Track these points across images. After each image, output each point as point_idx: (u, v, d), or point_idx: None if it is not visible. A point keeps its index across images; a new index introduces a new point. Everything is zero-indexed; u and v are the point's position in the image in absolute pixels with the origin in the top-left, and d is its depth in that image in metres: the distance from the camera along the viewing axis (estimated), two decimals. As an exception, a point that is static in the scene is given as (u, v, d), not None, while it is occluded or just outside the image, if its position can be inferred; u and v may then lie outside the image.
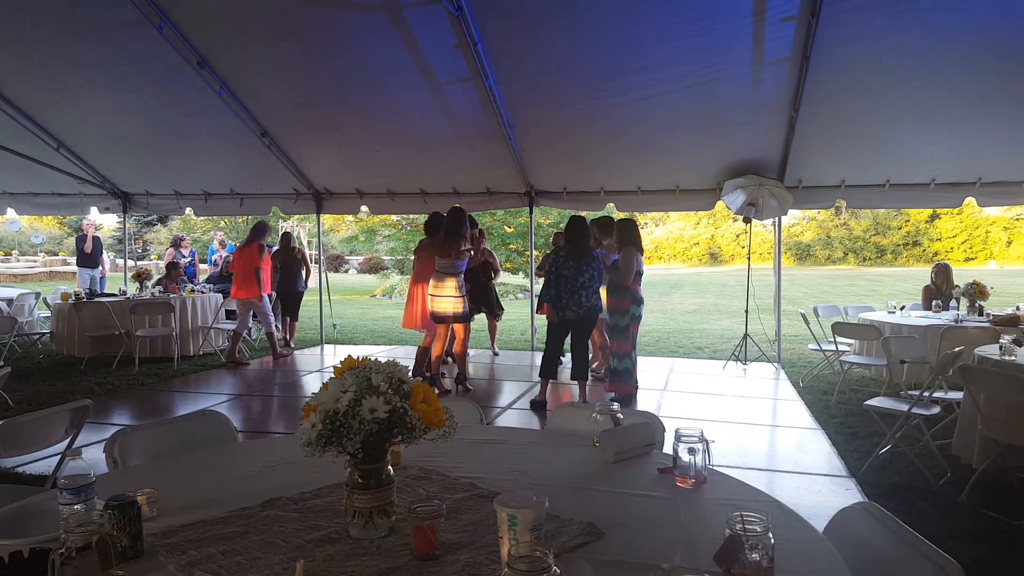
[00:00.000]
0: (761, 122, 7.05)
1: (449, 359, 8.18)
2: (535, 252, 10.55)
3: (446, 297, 6.67)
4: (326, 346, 10.34)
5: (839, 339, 6.96)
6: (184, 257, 13.09)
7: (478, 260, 8.06)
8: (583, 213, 8.70)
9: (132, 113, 8.31)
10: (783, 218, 8.52)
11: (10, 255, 33.32)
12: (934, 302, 7.51)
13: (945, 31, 5.53)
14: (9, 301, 9.40)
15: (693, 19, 5.73)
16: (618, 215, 8.57)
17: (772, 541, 1.26)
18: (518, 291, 20.23)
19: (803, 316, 7.57)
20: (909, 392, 4.78)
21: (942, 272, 7.95)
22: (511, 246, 19.57)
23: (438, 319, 6.78)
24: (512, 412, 6.38)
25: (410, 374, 1.69)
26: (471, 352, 9.56)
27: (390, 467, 1.63)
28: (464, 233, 6.74)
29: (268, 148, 8.53)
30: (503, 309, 9.16)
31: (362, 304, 18.29)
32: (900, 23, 5.46)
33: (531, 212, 9.52)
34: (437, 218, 7.24)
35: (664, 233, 48.28)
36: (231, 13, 6.41)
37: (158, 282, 9.90)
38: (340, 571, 1.38)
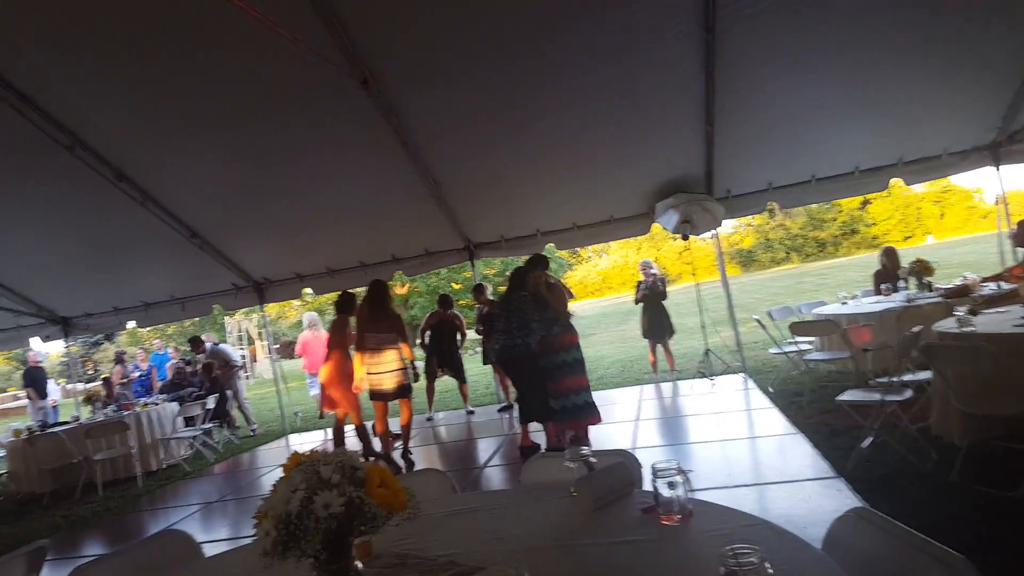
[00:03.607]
0: (680, 141, 7.17)
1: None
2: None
3: (387, 373, 6.39)
4: (291, 436, 10.00)
5: (799, 338, 7.01)
6: (137, 369, 12.70)
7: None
8: (525, 257, 8.72)
9: (59, 237, 8.16)
10: (720, 229, 8.65)
11: (-43, 399, 31.88)
12: (883, 285, 7.65)
13: (842, 18, 5.60)
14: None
15: (598, 52, 5.81)
16: (560, 254, 8.62)
17: (771, 571, 1.18)
18: (476, 345, 19.99)
19: (758, 322, 7.63)
20: (878, 380, 4.79)
21: (890, 255, 8.14)
22: (460, 302, 19.50)
23: (377, 396, 6.46)
24: (490, 470, 6.20)
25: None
26: (441, 415, 9.42)
27: (358, 563, 1.50)
28: (389, 303, 6.71)
29: (201, 249, 8.37)
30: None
31: (324, 387, 17.86)
32: (795, 21, 5.56)
33: (473, 266, 9.47)
34: (347, 297, 7.20)
35: (609, 263, 48.92)
36: (142, 125, 6.35)
37: (105, 403, 9.48)
38: None
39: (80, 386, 13.23)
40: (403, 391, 6.50)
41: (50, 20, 5.06)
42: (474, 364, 13.34)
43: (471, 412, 9.31)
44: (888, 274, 7.94)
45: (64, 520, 6.85)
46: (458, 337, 9.13)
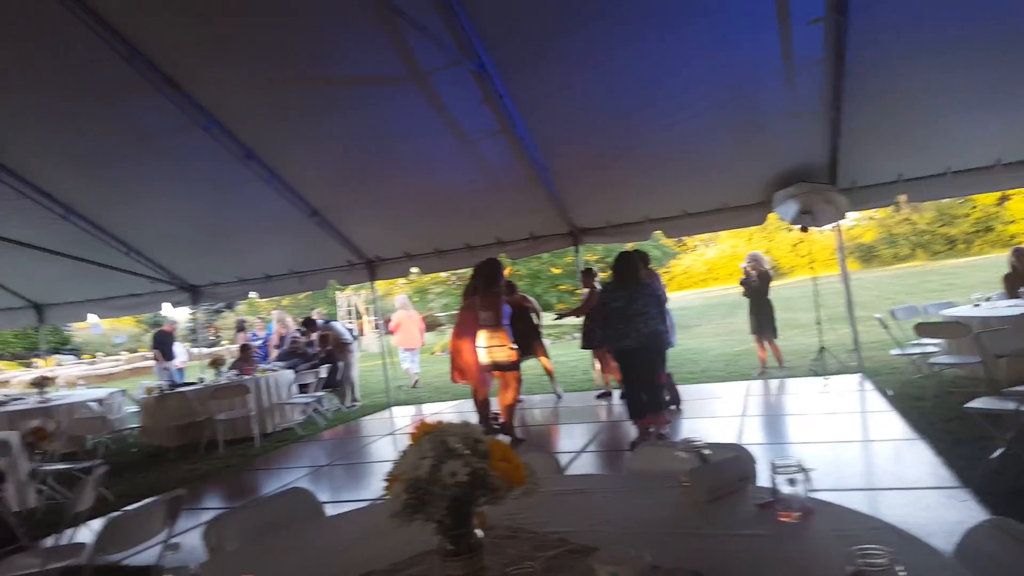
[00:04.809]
0: (803, 128, 6.86)
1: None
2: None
3: (490, 348, 6.67)
4: (394, 408, 10.38)
5: (925, 340, 6.60)
6: (256, 338, 13.61)
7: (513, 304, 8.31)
8: (629, 245, 8.62)
9: (191, 210, 8.78)
10: (841, 221, 8.22)
11: (95, 357, 34.90)
12: (1021, 289, 7.08)
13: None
14: (100, 401, 9.81)
15: (717, 36, 5.68)
16: (665, 242, 8.47)
17: (903, 574, 1.15)
18: (574, 331, 20.01)
19: (880, 321, 7.24)
20: (1013, 388, 4.46)
21: (1020, 256, 7.52)
22: (561, 287, 19.45)
23: (499, 368, 6.75)
24: (586, 456, 6.22)
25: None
26: (537, 398, 9.50)
27: (478, 531, 1.57)
28: (501, 282, 6.83)
29: (319, 226, 8.80)
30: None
31: (423, 362, 18.38)
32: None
33: (577, 251, 9.44)
34: None
35: (716, 253, 47.31)
36: (271, 105, 6.76)
37: (233, 365, 10.19)
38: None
39: (204, 350, 14.23)
40: (504, 366, 6.71)
41: (195, 8, 5.46)
42: (570, 348, 13.35)
43: (559, 396, 9.41)
44: (1019, 276, 7.33)
45: (189, 473, 7.39)
46: (534, 317, 9.02)
